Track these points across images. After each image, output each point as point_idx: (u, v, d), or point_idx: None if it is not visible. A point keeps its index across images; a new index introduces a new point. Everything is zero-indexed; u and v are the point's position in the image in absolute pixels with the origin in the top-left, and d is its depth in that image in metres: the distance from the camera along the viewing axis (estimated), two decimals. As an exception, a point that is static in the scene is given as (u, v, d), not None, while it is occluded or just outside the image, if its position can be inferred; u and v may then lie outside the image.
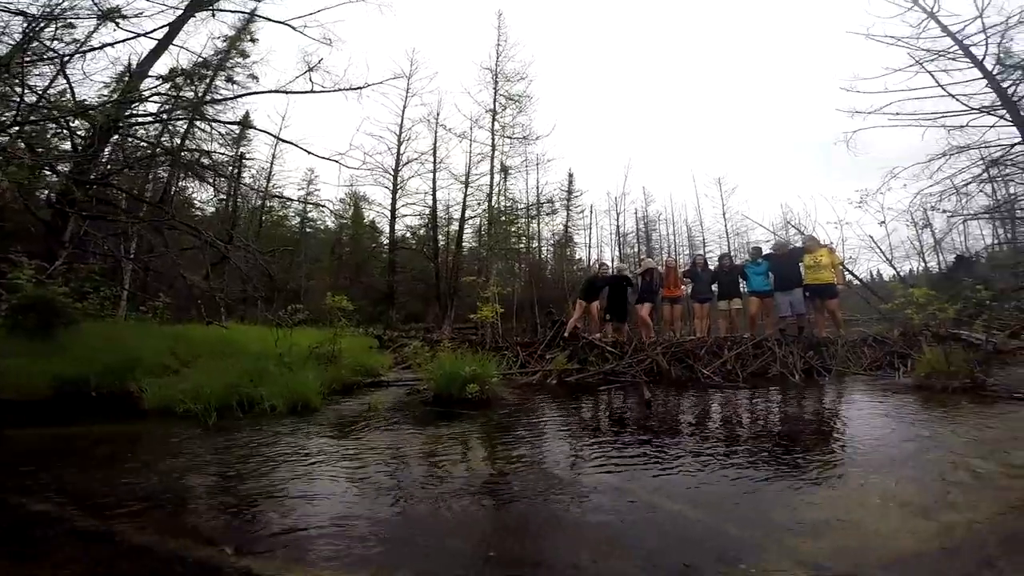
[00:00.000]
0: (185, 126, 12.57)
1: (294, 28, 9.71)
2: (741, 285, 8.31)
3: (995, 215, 14.42)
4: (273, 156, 23.86)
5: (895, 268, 12.47)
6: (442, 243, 21.56)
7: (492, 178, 20.69)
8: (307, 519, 2.15)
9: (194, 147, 12.18)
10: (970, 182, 13.41)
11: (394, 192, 21.27)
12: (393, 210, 21.27)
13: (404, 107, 21.45)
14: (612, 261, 23.29)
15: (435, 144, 21.34)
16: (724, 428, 4.03)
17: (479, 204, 21.01)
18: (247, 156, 20.54)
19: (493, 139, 20.68)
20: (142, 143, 9.83)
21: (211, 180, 11.97)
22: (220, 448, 3.45)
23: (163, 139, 10.72)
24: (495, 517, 2.26)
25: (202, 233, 8.60)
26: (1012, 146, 12.47)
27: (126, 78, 9.20)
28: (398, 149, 21.36)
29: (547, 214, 24.64)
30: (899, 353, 6.32)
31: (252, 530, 2.08)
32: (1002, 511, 2.02)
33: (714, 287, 8.48)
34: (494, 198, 20.90)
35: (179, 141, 12.40)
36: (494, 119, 20.80)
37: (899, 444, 3.13)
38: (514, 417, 4.52)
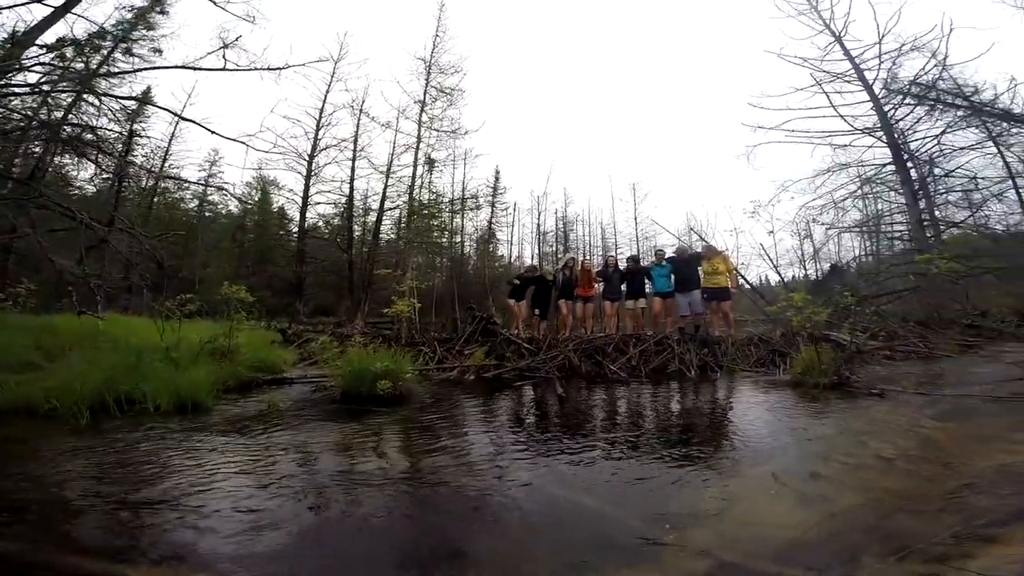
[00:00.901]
0: (71, 99, 11.08)
1: (215, 2, 8.88)
2: (647, 286, 8.80)
3: (864, 229, 16.42)
4: (172, 135, 21.76)
5: (780, 274, 13.86)
6: (358, 234, 20.75)
7: (415, 170, 20.23)
8: (197, 525, 2.01)
9: (78, 122, 10.75)
10: (846, 198, 15.21)
11: (308, 178, 20.11)
12: (305, 197, 20.10)
13: (327, 91, 20.32)
14: (533, 259, 23.75)
15: (357, 131, 20.43)
16: (629, 422, 4.25)
17: (399, 196, 20.46)
18: (140, 133, 18.52)
19: (419, 131, 20.19)
20: (15, 115, 8.55)
21: (94, 157, 10.64)
22: (94, 450, 3.10)
23: (41, 112, 9.34)
24: (407, 513, 2.23)
25: (76, 214, 7.62)
26: (883, 166, 14.23)
27: (8, 46, 7.96)
28: (316, 134, 20.20)
29: (471, 209, 24.57)
30: (780, 352, 7.01)
31: (131, 538, 1.89)
32: (864, 501, 2.27)
33: (623, 287, 8.92)
34: (416, 190, 20.44)
35: (63, 115, 10.89)
36: (423, 111, 20.30)
37: (780, 436, 3.47)
38: (428, 413, 4.46)
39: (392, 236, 21.64)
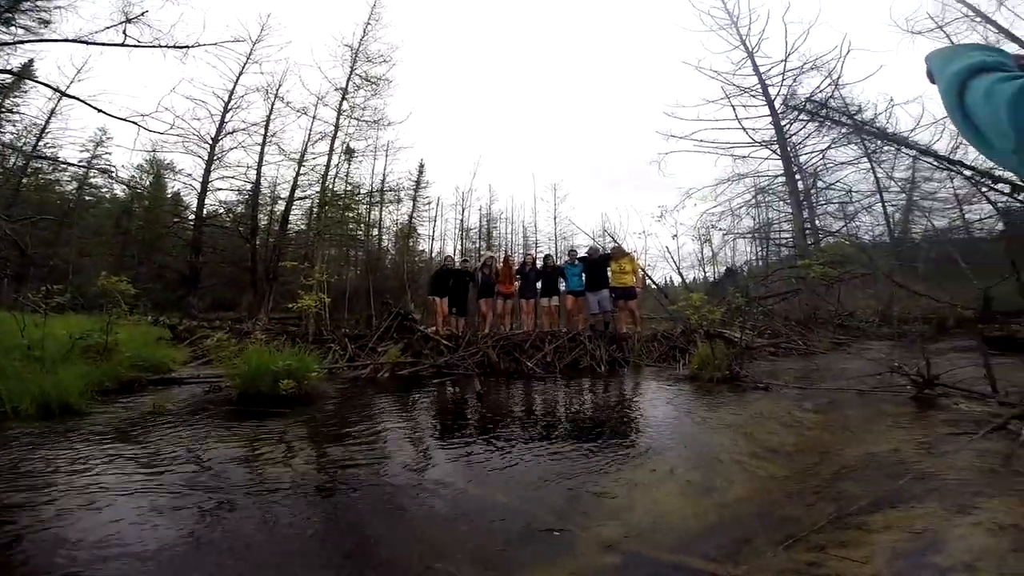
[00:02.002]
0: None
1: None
2: (561, 284, 9.04)
3: (756, 235, 18.00)
4: (52, 112, 19.03)
5: (682, 276, 14.81)
6: (264, 223, 19.38)
7: (330, 158, 19.24)
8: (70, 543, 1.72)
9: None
10: (742, 206, 16.56)
11: (209, 163, 18.39)
12: (205, 182, 18.39)
13: (240, 73, 18.67)
14: (455, 255, 23.51)
15: (269, 116, 18.99)
16: (545, 417, 4.31)
17: (311, 185, 19.35)
18: (11, 109, 16.02)
19: (338, 119, 19.20)
20: None
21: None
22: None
23: None
24: (313, 516, 2.08)
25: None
26: (776, 177, 15.64)
27: None
28: (223, 117, 18.54)
29: (391, 202, 23.82)
30: (680, 348, 7.48)
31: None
32: (753, 490, 2.45)
33: (538, 285, 9.09)
34: (331, 180, 19.44)
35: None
36: (344, 99, 19.33)
37: (680, 428, 3.68)
38: (336, 413, 4.26)
39: (302, 227, 20.44)
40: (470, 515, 2.17)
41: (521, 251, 26.31)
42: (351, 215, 21.03)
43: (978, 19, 9.00)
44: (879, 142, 13.60)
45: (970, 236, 14.84)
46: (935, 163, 11.85)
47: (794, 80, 14.93)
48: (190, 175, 19.14)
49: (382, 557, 1.82)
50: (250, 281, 17.43)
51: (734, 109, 15.79)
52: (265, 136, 18.92)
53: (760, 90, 15.57)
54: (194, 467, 2.76)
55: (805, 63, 14.69)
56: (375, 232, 23.50)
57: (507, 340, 7.48)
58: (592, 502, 2.32)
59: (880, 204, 15.74)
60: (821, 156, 15.15)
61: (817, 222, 15.60)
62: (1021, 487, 2.10)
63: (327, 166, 19.17)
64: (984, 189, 10.34)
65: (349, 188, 21.13)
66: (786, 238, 16.53)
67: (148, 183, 22.19)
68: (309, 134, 19.22)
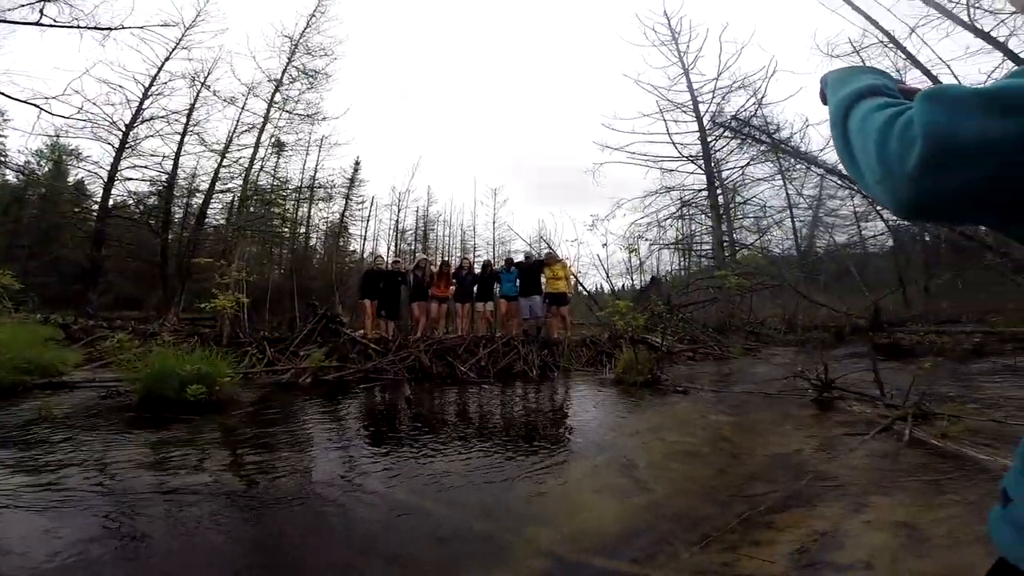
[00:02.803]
0: None
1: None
2: (496, 289, 9.04)
3: (679, 246, 18.96)
4: None
5: (611, 283, 15.32)
6: (179, 216, 17.91)
7: (256, 151, 18.13)
8: None
9: None
10: (668, 218, 17.39)
11: (120, 151, 16.64)
12: (113, 171, 16.66)
13: (167, 59, 17.04)
14: (387, 255, 22.88)
15: (193, 104, 17.53)
16: (476, 422, 4.28)
17: (233, 178, 18.12)
18: None
19: (269, 111, 18.15)
20: None
21: None
22: None
23: None
24: (230, 529, 1.91)
25: None
26: (699, 191, 16.52)
27: None
28: (141, 103, 16.86)
29: (321, 200, 22.81)
30: (607, 353, 7.71)
31: None
32: (673, 491, 2.54)
33: (474, 289, 9.04)
34: (255, 173, 18.32)
35: None
36: (277, 90, 18.32)
37: (605, 432, 3.79)
38: (251, 420, 4.01)
39: (221, 221, 19.10)
40: (397, 523, 2.10)
41: (459, 254, 26.09)
42: (276, 211, 19.94)
43: (891, 45, 9.76)
44: (793, 160, 14.76)
45: (865, 251, 16.50)
46: (839, 182, 13.04)
47: (723, 98, 15.88)
48: (96, 163, 17.29)
49: (304, 567, 1.73)
50: (159, 277, 16.03)
51: (666, 123, 16.56)
52: (187, 125, 17.45)
53: (692, 106, 16.43)
54: (84, 475, 2.46)
55: (735, 82, 15.62)
56: (302, 230, 22.42)
57: (441, 344, 7.36)
58: (523, 507, 2.32)
59: (790, 219, 17.11)
60: (741, 172, 16.22)
61: (735, 235, 16.68)
62: (906, 486, 2.32)
63: (252, 159, 18.07)
64: (879, 207, 11.47)
65: (276, 183, 20.03)
66: (706, 250, 17.54)
67: (47, 169, 19.82)
68: (236, 125, 18.01)
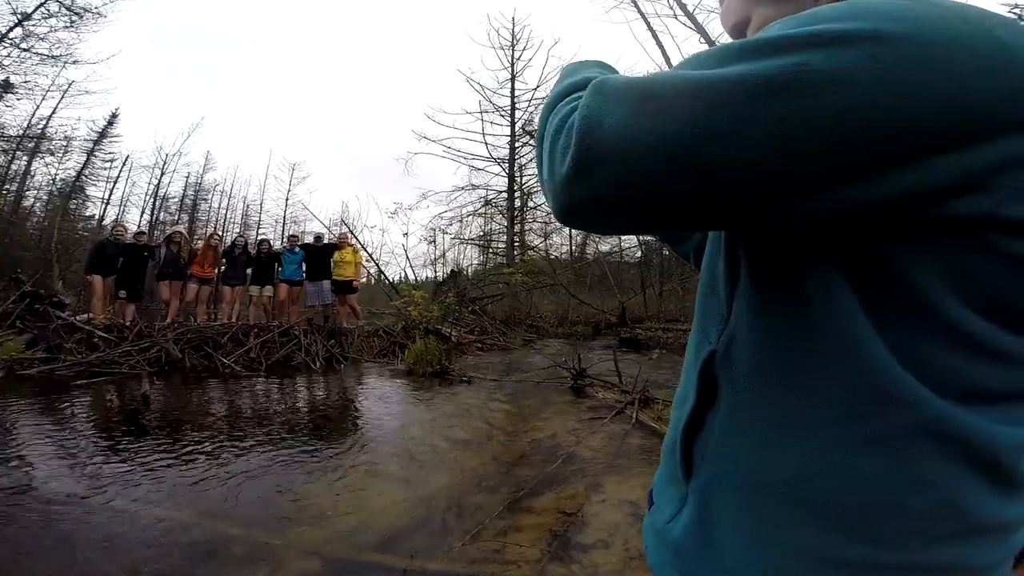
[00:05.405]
0: None
1: None
2: (276, 272, 8.16)
3: (479, 243, 19.89)
4: None
5: (414, 273, 15.31)
6: None
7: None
8: None
9: None
10: (471, 214, 18.06)
11: None
12: None
13: None
14: (141, 226, 18.66)
15: None
16: (238, 422, 3.79)
17: None
18: None
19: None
20: None
21: None
22: None
23: None
24: None
25: None
26: (500, 192, 17.49)
27: None
28: None
29: (48, 152, 17.54)
30: (401, 343, 7.65)
31: None
32: (450, 482, 2.64)
33: (248, 271, 7.99)
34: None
35: None
36: (20, 25, 13.30)
37: (387, 424, 3.77)
38: None
39: None
40: (142, 534, 1.89)
41: (238, 230, 22.78)
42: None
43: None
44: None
45: (622, 259, 19.65)
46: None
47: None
48: None
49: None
50: None
51: (483, 124, 17.18)
52: None
53: (509, 111, 17.35)
54: None
55: (545, 97, 16.96)
56: (11, 188, 16.98)
57: (197, 333, 6.34)
58: (293, 508, 2.20)
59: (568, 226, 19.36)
60: (536, 179, 17.64)
61: (526, 237, 18.21)
62: (630, 465, 2.83)
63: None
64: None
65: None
66: (501, 248, 18.80)
67: None
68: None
